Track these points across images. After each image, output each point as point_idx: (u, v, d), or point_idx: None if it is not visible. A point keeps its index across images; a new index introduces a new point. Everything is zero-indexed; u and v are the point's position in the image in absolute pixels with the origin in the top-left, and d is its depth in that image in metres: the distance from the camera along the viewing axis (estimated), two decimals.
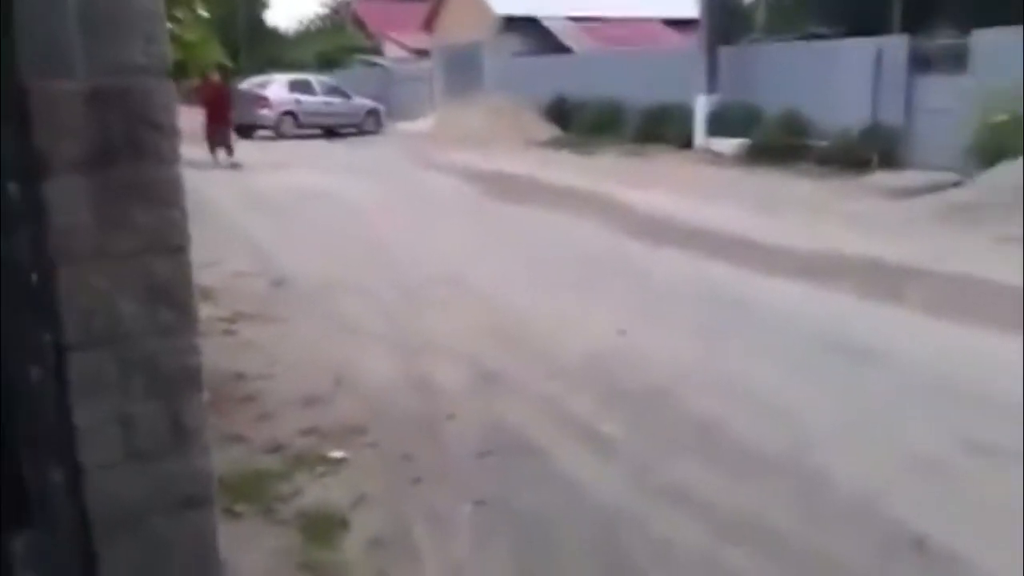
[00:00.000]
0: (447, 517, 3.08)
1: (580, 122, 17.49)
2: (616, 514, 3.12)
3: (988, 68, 10.32)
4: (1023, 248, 6.85)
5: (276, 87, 22.52)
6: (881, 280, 6.48)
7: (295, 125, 21.94)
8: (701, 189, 10.84)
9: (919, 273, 6.55)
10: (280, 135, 21.41)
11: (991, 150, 9.38)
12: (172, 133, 1.42)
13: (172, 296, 1.45)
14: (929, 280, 6.38)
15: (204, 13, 4.90)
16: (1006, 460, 3.43)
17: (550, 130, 18.07)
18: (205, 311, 4.82)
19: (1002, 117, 9.53)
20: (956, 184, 9.40)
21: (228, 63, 4.31)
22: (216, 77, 14.49)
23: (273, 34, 40.18)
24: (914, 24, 12.58)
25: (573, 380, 4.53)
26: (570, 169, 13.28)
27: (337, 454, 3.60)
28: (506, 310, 5.90)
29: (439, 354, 4.94)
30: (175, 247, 1.44)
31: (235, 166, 14.65)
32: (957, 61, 11.15)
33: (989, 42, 10.64)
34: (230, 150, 15.02)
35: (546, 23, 22.66)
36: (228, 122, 15.49)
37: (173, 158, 1.43)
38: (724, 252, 7.56)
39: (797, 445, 3.67)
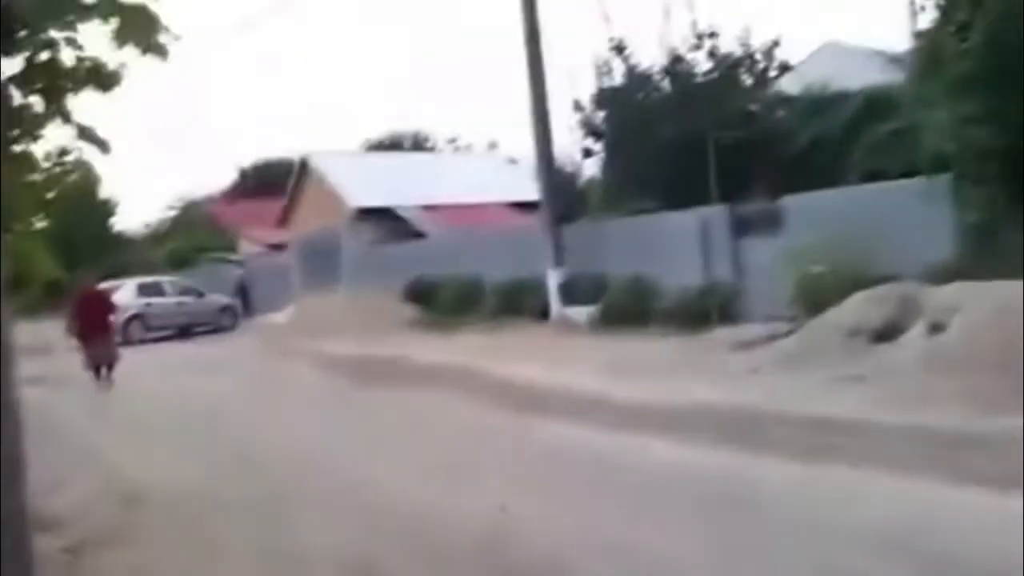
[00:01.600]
0: None
1: (439, 303, 17.90)
2: None
3: (798, 227, 11.59)
4: (853, 385, 7.48)
5: (123, 292, 21.92)
6: (736, 426, 6.81)
7: (144, 329, 21.33)
8: (558, 357, 11.20)
9: (769, 417, 6.94)
10: (127, 341, 20.53)
11: (814, 299, 10.33)
12: (6, 350, 1.39)
13: (5, 523, 1.35)
14: (780, 424, 6.76)
15: (41, 223, 4.83)
16: None
17: (410, 313, 18.35)
18: (43, 541, 4.39)
19: (819, 269, 10.60)
20: (788, 333, 10.20)
21: (62, 274, 4.20)
22: (90, 283, 13.62)
23: (120, 238, 39.37)
24: (729, 194, 14.03)
25: (460, 562, 4.39)
26: (432, 348, 13.43)
27: None
28: (382, 498, 5.72)
29: (319, 558, 4.68)
30: (6, 474, 1.36)
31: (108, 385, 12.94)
32: (772, 223, 12.44)
33: (796, 205, 12.01)
34: (111, 367, 13.11)
35: (399, 212, 23.57)
36: (110, 333, 13.58)
37: (8, 376, 1.39)
38: (584, 414, 7.77)
39: None
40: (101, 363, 12.88)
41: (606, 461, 6.23)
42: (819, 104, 15.99)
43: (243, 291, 26.96)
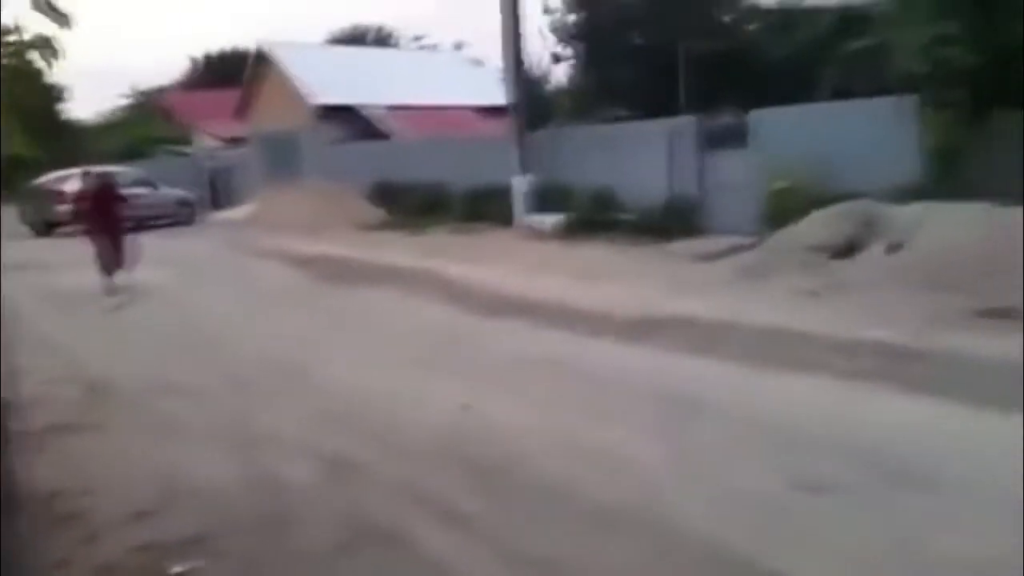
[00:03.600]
0: None
1: (406, 205, 17.75)
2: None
3: (765, 142, 11.64)
4: (810, 299, 7.71)
5: (74, 181, 21.21)
6: (693, 334, 7.01)
7: None
8: (524, 262, 11.29)
9: (727, 327, 7.14)
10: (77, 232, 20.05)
11: (777, 214, 10.49)
12: None
13: None
14: (737, 333, 6.97)
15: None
16: (830, 491, 3.81)
17: (376, 214, 18.18)
18: (12, 426, 4.41)
19: (782, 184, 10.72)
20: (749, 247, 10.39)
21: (26, 153, 4.05)
22: (95, 174, 12.32)
23: (73, 126, 37.86)
24: (699, 106, 13.98)
25: (422, 458, 4.52)
26: (400, 249, 13.40)
27: (178, 569, 3.37)
28: (345, 394, 5.82)
29: (279, 447, 4.78)
30: None
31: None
32: (739, 138, 12.46)
33: (764, 120, 12.01)
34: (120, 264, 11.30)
35: (363, 111, 22.98)
36: (118, 232, 11.53)
37: None
38: (550, 319, 7.90)
39: (640, 494, 3.87)
40: (111, 261, 11.20)
41: (566, 364, 6.38)
42: (793, 18, 15.83)
43: (212, 185, 26.30)
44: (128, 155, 30.67)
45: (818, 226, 9.35)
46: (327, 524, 3.74)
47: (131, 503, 4.01)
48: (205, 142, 31.02)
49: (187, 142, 32.36)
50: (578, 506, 3.82)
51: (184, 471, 4.45)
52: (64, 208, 20.36)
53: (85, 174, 13.30)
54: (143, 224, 21.66)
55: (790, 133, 11.24)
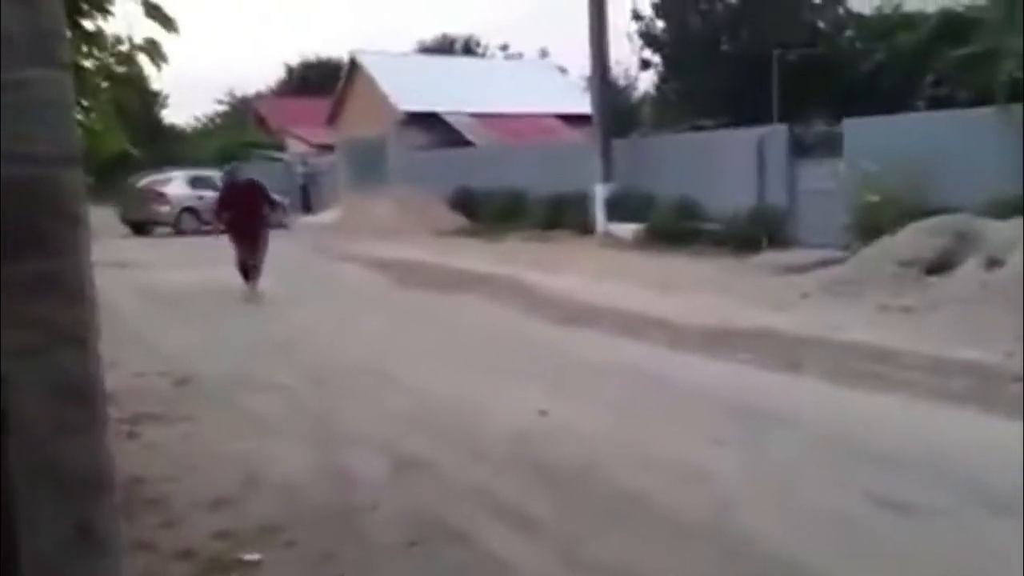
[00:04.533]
0: None
1: (485, 212, 17.90)
2: None
3: (859, 153, 11.23)
4: (901, 316, 7.38)
5: (176, 183, 22.24)
6: (775, 348, 6.80)
7: (196, 221, 21.53)
8: (603, 270, 11.20)
9: (812, 342, 6.91)
10: (179, 232, 20.97)
11: (867, 227, 10.11)
12: (81, 223, 1.38)
13: (80, 392, 1.39)
14: (822, 349, 6.74)
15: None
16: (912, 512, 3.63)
17: (456, 220, 18.39)
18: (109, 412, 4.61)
19: (874, 198, 10.33)
20: (839, 260, 10.03)
21: (132, 151, 4.27)
22: (241, 174, 11.77)
23: (172, 131, 39.71)
24: (790, 114, 13.61)
25: (497, 461, 4.53)
26: (478, 255, 13.51)
27: (252, 556, 3.46)
28: (422, 395, 5.88)
29: (357, 445, 4.86)
30: (82, 341, 1.38)
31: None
32: (832, 147, 12.08)
33: (859, 129, 11.60)
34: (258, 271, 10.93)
35: (447, 118, 23.31)
36: (260, 235, 10.92)
37: (83, 249, 1.39)
38: (629, 328, 7.80)
39: (717, 508, 3.77)
40: (251, 266, 10.85)
41: (643, 374, 6.29)
42: (891, 24, 15.25)
43: (305, 189, 27.14)
44: (223, 159, 31.91)
45: (912, 240, 8.95)
46: (398, 520, 3.78)
47: (211, 491, 4.14)
48: (296, 148, 32.02)
49: (280, 148, 33.46)
50: (648, 515, 3.75)
51: (263, 463, 4.57)
52: (164, 209, 21.41)
53: (229, 172, 12.74)
54: None
55: (886, 143, 10.81)
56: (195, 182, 22.42)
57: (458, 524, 3.72)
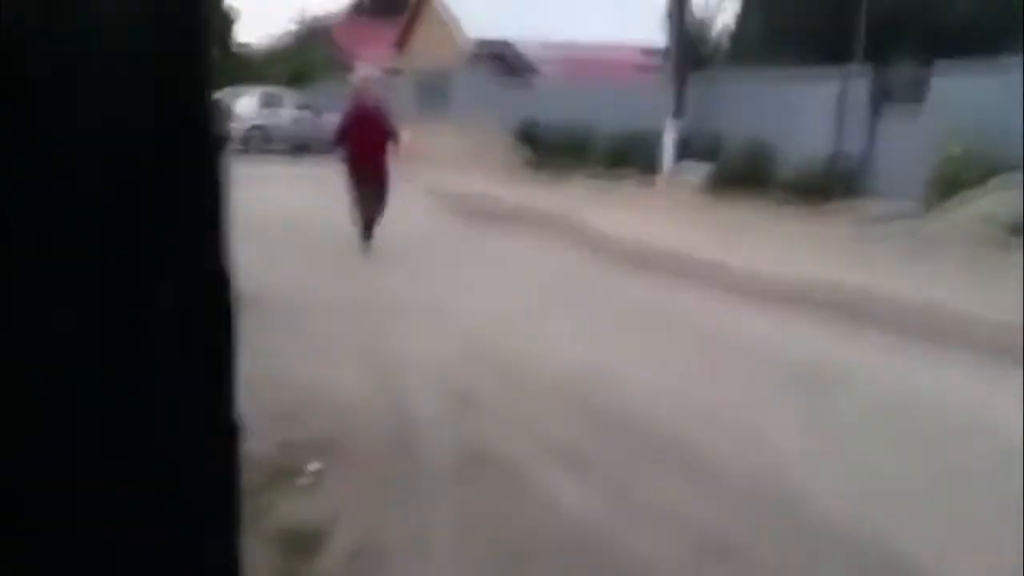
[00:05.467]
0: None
1: (552, 147, 17.63)
2: (594, 529, 3.15)
3: (944, 102, 10.63)
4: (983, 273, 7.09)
5: (246, 100, 22.23)
6: (843, 303, 6.63)
7: (263, 141, 21.60)
8: (668, 213, 11.01)
9: (881, 299, 6.71)
10: (247, 152, 21.14)
11: (948, 181, 9.65)
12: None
13: None
14: (890, 304, 6.54)
15: None
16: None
17: (521, 154, 18.19)
18: None
19: (957, 150, 9.81)
20: (917, 214, 9.65)
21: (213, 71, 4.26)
22: (368, 95, 9.49)
23: (242, 48, 39.86)
24: (877, 55, 12.91)
25: (546, 401, 4.57)
26: (540, 191, 13.40)
27: (313, 466, 3.60)
28: (478, 332, 5.88)
29: (411, 375, 4.94)
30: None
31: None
32: (918, 92, 11.45)
33: (949, 74, 10.90)
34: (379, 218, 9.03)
35: (517, 48, 22.89)
36: (385, 181, 9.07)
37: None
38: (691, 275, 7.68)
39: (762, 461, 3.75)
40: (373, 214, 8.94)
41: (707, 326, 6.20)
42: None
43: None
44: (293, 80, 32.02)
45: (997, 197, 8.55)
46: (447, 448, 3.86)
47: (275, 408, 4.27)
48: (365, 72, 31.90)
49: (349, 70, 33.36)
50: (693, 464, 3.75)
51: (323, 385, 4.70)
52: (232, 126, 21.52)
53: (356, 87, 10.17)
54: (304, 149, 22.68)
55: (975, 91, 10.19)
56: (265, 99, 22.41)
57: (505, 458, 3.78)
